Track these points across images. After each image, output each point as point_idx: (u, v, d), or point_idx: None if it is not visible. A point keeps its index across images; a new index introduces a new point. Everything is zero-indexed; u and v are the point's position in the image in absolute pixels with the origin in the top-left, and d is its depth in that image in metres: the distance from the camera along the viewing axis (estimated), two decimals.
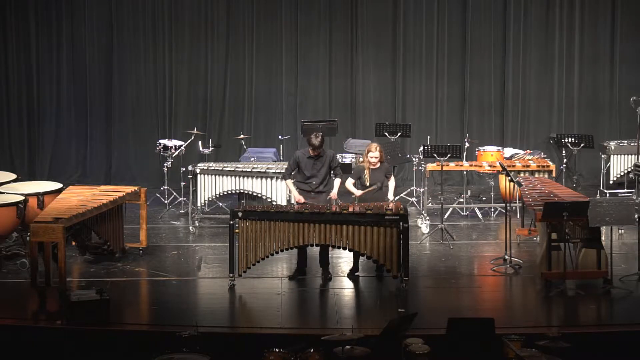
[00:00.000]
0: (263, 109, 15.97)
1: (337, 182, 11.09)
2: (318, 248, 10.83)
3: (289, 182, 11.18)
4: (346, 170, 12.28)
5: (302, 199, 10.92)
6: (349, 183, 11.18)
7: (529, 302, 10.40)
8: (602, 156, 14.70)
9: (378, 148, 11.03)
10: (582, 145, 14.00)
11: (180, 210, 14.03)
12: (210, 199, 13.19)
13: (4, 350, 8.95)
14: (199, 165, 13.21)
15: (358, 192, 11.01)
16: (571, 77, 16.02)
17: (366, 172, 11.02)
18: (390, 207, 10.49)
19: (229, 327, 9.58)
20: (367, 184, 11.00)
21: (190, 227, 13.07)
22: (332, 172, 11.07)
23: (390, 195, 10.93)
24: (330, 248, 10.92)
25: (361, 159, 11.62)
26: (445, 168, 13.22)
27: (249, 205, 11.40)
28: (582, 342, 8.64)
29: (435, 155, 12.91)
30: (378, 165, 11.05)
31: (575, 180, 14.53)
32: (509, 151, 14.45)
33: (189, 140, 14.28)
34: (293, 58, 15.93)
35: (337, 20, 15.92)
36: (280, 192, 12.61)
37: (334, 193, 11.05)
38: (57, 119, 15.86)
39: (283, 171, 11.54)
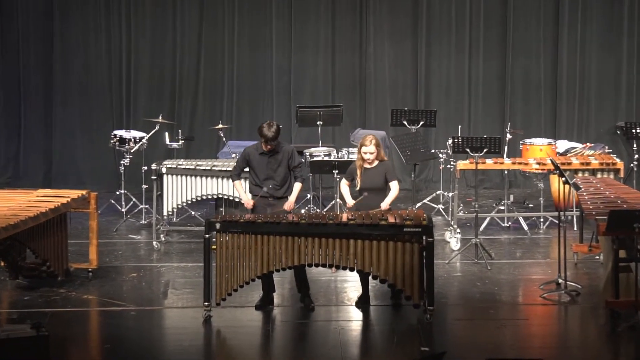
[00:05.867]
0: (247, 91, 16.00)
1: (296, 186, 11.13)
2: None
3: (237, 183, 11.41)
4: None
5: (251, 204, 11.04)
6: (343, 186, 11.17)
7: (590, 338, 10.39)
8: None
9: (374, 142, 10.99)
10: None
11: (141, 220, 14.09)
12: (179, 206, 13.18)
13: None
14: (165, 163, 13.20)
15: (350, 202, 10.97)
16: None
17: (358, 171, 10.99)
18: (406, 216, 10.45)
19: None
20: (358, 187, 10.97)
21: (154, 243, 13.08)
22: (292, 172, 11.12)
23: (384, 204, 10.86)
24: (334, 269, 10.90)
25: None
26: (480, 166, 13.19)
27: (230, 214, 11.38)
28: None
29: (467, 150, 12.89)
30: (375, 163, 11.01)
31: None
32: (563, 144, 14.48)
33: (153, 131, 14.29)
34: (286, 26, 15.97)
35: None
36: None
37: (290, 202, 11.05)
38: None
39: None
